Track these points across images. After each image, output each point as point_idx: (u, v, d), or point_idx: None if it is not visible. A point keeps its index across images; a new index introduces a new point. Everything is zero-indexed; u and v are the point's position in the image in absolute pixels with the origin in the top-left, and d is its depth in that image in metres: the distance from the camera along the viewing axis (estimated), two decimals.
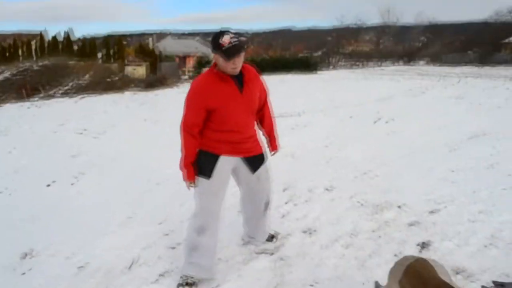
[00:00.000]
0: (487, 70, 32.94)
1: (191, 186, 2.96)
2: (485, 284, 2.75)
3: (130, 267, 3.21)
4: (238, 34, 2.79)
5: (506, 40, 47.89)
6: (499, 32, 50.66)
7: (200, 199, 3.00)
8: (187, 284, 2.92)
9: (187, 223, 3.15)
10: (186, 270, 2.98)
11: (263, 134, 3.32)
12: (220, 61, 2.76)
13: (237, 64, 2.78)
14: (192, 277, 2.94)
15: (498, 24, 54.91)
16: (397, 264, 2.49)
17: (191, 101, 2.86)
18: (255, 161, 3.12)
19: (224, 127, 2.90)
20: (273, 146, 3.35)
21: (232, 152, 2.98)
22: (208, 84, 2.83)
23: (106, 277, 3.09)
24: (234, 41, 2.71)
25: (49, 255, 3.46)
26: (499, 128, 8.22)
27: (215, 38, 2.74)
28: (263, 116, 3.24)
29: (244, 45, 2.83)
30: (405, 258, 2.46)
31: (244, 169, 3.11)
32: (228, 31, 2.76)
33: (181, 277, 2.98)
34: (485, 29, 55.41)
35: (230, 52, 2.70)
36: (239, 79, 2.88)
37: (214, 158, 2.93)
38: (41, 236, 3.82)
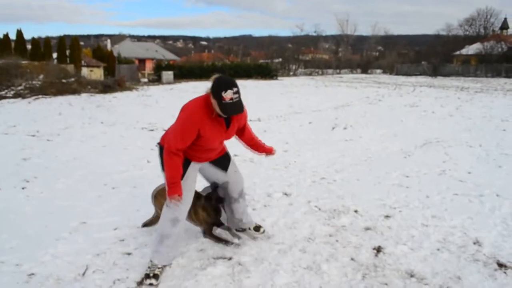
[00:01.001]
0: (439, 80, 34.36)
1: (179, 201, 3.03)
2: None
3: (83, 274, 3.09)
4: (237, 88, 2.84)
5: (457, 52, 50.01)
6: (450, 45, 52.94)
7: None
8: (154, 276, 3.02)
9: (161, 213, 3.23)
10: (154, 258, 3.12)
11: (252, 148, 3.57)
12: (215, 106, 2.85)
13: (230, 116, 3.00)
14: (159, 268, 3.07)
15: (450, 37, 57.41)
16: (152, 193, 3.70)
17: (185, 129, 2.92)
18: (222, 161, 3.40)
19: (200, 148, 3.09)
20: (267, 149, 3.57)
21: (201, 160, 3.26)
22: (202, 116, 2.91)
23: (58, 284, 2.96)
24: (235, 98, 2.81)
25: None
26: (451, 135, 8.57)
27: (218, 87, 2.81)
28: (250, 137, 3.50)
29: (242, 105, 2.90)
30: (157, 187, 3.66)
31: (211, 168, 3.40)
32: (232, 85, 2.82)
33: (149, 267, 3.09)
34: (437, 41, 57.83)
35: (228, 109, 2.82)
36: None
37: (187, 163, 3.13)
38: None
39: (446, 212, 4.29)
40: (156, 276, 3.02)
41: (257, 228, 3.65)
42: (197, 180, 3.30)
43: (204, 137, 2.98)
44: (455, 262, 3.24)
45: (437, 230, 3.84)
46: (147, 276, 3.02)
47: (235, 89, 2.81)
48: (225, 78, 2.87)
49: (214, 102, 2.85)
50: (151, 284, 2.98)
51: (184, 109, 2.98)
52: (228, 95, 2.77)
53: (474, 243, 3.57)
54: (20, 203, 4.65)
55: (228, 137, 3.20)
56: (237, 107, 2.83)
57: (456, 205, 4.50)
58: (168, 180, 3.00)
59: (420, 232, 3.81)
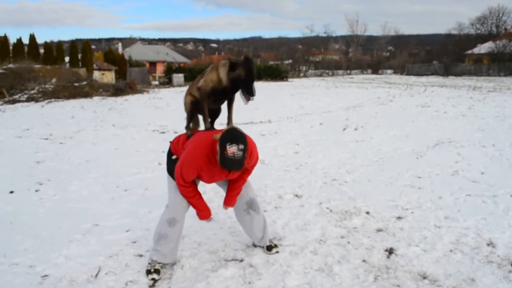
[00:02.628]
0: (451, 80, 34.05)
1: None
2: None
3: (96, 276, 3.12)
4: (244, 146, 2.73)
5: (469, 51, 49.53)
6: (462, 44, 52.47)
7: (172, 194, 3.18)
8: (155, 271, 3.12)
9: (160, 213, 3.26)
10: (153, 255, 3.21)
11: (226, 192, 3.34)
12: (217, 154, 2.78)
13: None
14: (158, 263, 3.18)
15: (461, 36, 56.90)
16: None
17: (186, 169, 2.96)
18: None
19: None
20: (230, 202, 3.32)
21: None
22: (203, 162, 2.92)
23: (71, 286, 2.99)
24: (237, 155, 2.70)
25: (12, 264, 3.32)
26: (464, 135, 8.48)
27: (226, 138, 2.72)
28: (236, 185, 3.26)
29: (243, 164, 2.77)
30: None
31: None
32: (240, 141, 2.72)
33: (149, 263, 3.20)
34: (448, 40, 57.36)
35: (226, 162, 2.72)
36: None
37: None
38: (3, 244, 3.67)
39: (459, 213, 4.24)
40: (157, 271, 3.12)
41: (270, 248, 3.45)
42: (197, 185, 3.24)
43: (203, 178, 3.06)
44: (468, 264, 3.21)
45: (450, 231, 3.80)
46: (148, 272, 3.12)
47: (241, 146, 2.71)
48: (236, 132, 2.77)
49: (218, 150, 2.76)
50: (153, 279, 3.06)
51: (191, 147, 2.99)
52: (231, 149, 2.68)
53: (488, 245, 3.53)
54: (34, 205, 4.71)
55: (228, 178, 3.18)
56: (236, 163, 2.72)
57: (469, 206, 4.46)
58: (196, 210, 3.20)
59: (433, 233, 3.78)
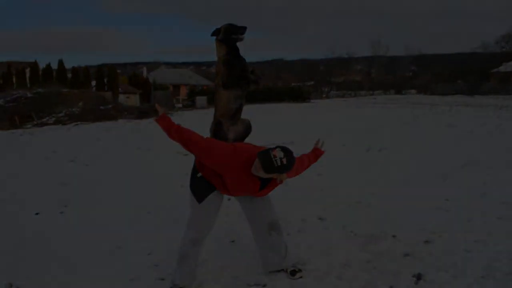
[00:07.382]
0: (477, 99, 33.48)
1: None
2: None
3: None
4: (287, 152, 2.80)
5: (495, 70, 48.79)
6: (487, 62, 51.79)
7: (195, 214, 3.18)
8: None
9: (182, 233, 3.24)
10: (175, 279, 3.18)
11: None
12: (258, 167, 2.78)
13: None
14: (180, 287, 3.12)
15: (486, 55, 56.18)
16: None
17: (216, 150, 2.94)
18: None
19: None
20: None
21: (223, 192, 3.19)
22: (237, 165, 2.88)
23: None
24: (283, 160, 2.76)
25: (34, 287, 3.34)
26: (492, 155, 8.26)
27: (272, 147, 2.79)
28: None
29: (288, 169, 2.83)
30: None
31: None
32: (287, 151, 2.82)
33: (171, 287, 3.15)
34: (473, 59, 56.68)
35: (271, 166, 2.75)
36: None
37: (210, 189, 3.11)
38: (25, 267, 3.70)
39: (490, 237, 4.08)
40: None
41: (293, 272, 3.37)
42: (220, 206, 3.25)
43: (227, 182, 2.97)
44: None
45: (481, 256, 3.65)
46: None
47: (288, 156, 2.80)
48: (284, 146, 2.86)
49: (257, 164, 2.78)
50: None
51: (234, 145, 2.98)
52: (279, 153, 2.77)
53: None
54: (58, 227, 4.76)
55: (258, 195, 3.14)
56: (282, 166, 2.78)
57: (501, 229, 4.29)
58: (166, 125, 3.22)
59: (463, 258, 3.63)
